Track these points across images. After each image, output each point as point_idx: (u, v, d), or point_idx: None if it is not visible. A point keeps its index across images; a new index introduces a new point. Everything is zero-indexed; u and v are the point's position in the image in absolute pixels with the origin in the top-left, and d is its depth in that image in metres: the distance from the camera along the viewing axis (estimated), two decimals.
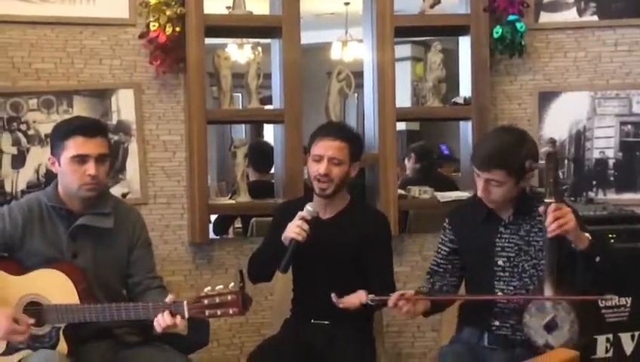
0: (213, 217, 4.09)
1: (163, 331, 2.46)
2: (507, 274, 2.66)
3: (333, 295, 2.68)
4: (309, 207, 2.80)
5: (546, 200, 2.44)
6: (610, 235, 3.34)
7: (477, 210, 2.75)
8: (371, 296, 2.65)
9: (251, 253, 3.08)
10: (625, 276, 3.16)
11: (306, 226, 2.74)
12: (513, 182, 2.59)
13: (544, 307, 2.51)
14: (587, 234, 2.48)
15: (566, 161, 3.84)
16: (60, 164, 2.63)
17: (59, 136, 2.65)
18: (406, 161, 5.57)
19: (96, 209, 2.68)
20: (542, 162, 2.51)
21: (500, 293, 2.66)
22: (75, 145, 2.59)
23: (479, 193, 2.63)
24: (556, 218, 2.42)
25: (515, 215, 2.68)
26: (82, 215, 2.65)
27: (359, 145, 3.00)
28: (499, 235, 2.69)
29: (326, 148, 2.87)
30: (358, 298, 2.70)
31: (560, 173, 3.75)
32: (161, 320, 2.43)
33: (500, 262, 2.67)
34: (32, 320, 2.49)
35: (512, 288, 2.65)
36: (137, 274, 2.74)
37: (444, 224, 2.86)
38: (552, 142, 2.51)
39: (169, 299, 2.48)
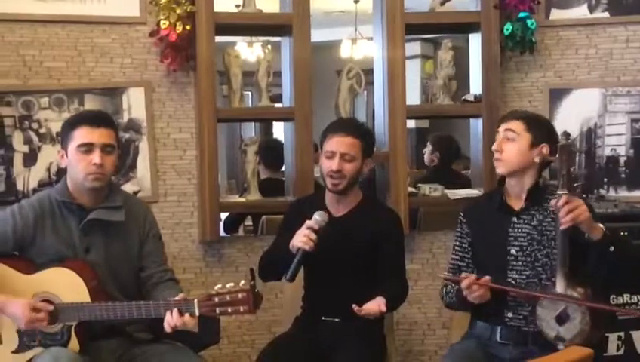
0: (223, 215, 4.09)
1: (172, 330, 2.46)
2: (520, 263, 2.68)
3: (354, 306, 2.64)
4: (317, 216, 2.75)
5: (559, 192, 2.48)
6: (622, 233, 3.33)
7: (490, 201, 2.81)
8: (444, 274, 2.66)
9: (261, 251, 3.08)
10: (636, 274, 3.15)
11: (313, 236, 2.71)
12: (528, 142, 2.66)
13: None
14: (600, 225, 2.50)
15: (577, 157, 3.83)
16: (67, 156, 2.66)
17: (67, 129, 2.68)
18: (429, 147, 5.39)
19: (107, 203, 2.69)
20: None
21: (512, 282, 2.66)
22: (80, 135, 2.62)
23: (494, 147, 2.69)
24: (570, 210, 2.45)
25: (528, 205, 2.70)
26: (93, 209, 2.67)
27: (371, 141, 3.00)
28: (512, 225, 2.71)
29: (338, 144, 2.86)
30: (377, 304, 2.67)
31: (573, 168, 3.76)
32: (170, 320, 2.44)
33: (513, 251, 2.69)
34: (50, 307, 2.52)
35: (524, 277, 2.67)
36: (149, 268, 2.75)
37: (459, 218, 2.88)
38: (566, 135, 2.55)
39: (179, 297, 2.49)
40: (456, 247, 2.88)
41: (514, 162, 2.68)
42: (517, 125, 2.67)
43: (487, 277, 2.61)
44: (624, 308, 3.34)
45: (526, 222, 2.70)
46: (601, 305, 2.55)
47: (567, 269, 2.49)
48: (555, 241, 2.57)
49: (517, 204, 2.73)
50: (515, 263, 2.69)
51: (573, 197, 2.47)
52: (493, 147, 2.71)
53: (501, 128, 2.72)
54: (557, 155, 2.52)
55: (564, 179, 2.47)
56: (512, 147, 2.67)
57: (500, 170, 2.72)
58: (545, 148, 2.66)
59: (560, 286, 2.50)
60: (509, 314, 2.68)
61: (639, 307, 3.40)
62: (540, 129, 2.69)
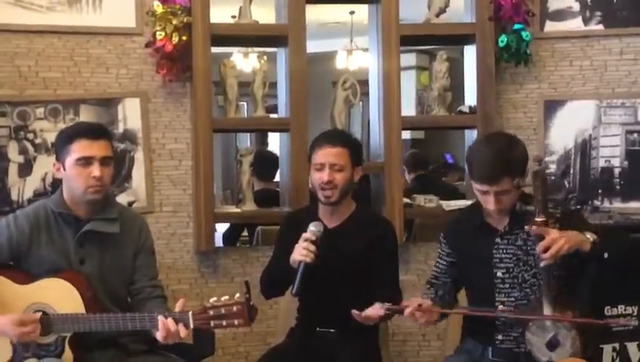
0: (219, 226, 4.09)
1: (165, 340, 2.45)
2: (507, 285, 2.64)
3: (354, 311, 2.65)
4: (312, 227, 2.78)
5: (537, 219, 2.44)
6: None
7: (471, 221, 2.74)
8: (387, 305, 2.61)
9: (257, 262, 3.08)
10: (631, 285, 3.17)
11: (312, 247, 2.72)
12: (517, 188, 2.57)
13: (544, 326, 2.48)
14: (588, 235, 2.45)
15: (571, 171, 3.84)
16: (65, 169, 2.65)
17: (64, 141, 2.67)
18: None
19: (103, 214, 2.69)
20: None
21: (500, 306, 2.63)
22: (79, 148, 2.61)
23: (491, 206, 2.56)
24: (546, 248, 2.39)
25: (511, 225, 2.65)
26: (89, 221, 2.66)
27: (359, 150, 3.01)
28: (496, 246, 2.66)
29: (326, 155, 2.88)
30: (376, 310, 2.66)
31: (566, 183, 3.78)
32: (164, 322, 2.41)
33: (500, 274, 2.64)
34: (37, 314, 2.50)
35: (512, 299, 2.63)
36: (140, 281, 2.74)
37: (440, 238, 2.85)
38: (539, 160, 2.51)
39: (180, 303, 2.47)
40: (434, 265, 2.88)
41: (510, 206, 2.60)
42: (507, 183, 2.52)
43: (428, 302, 2.60)
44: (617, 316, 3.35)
45: (510, 242, 2.64)
46: (588, 320, 2.49)
47: (553, 296, 2.44)
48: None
49: (500, 224, 2.67)
50: (502, 285, 2.64)
51: (547, 229, 2.41)
52: (493, 207, 2.55)
53: (491, 189, 2.54)
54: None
55: (540, 206, 2.42)
56: (508, 199, 2.56)
57: (500, 215, 2.63)
58: (523, 178, 2.58)
59: (547, 313, 2.45)
60: (500, 337, 2.64)
61: (634, 318, 3.40)
62: (519, 169, 2.56)
